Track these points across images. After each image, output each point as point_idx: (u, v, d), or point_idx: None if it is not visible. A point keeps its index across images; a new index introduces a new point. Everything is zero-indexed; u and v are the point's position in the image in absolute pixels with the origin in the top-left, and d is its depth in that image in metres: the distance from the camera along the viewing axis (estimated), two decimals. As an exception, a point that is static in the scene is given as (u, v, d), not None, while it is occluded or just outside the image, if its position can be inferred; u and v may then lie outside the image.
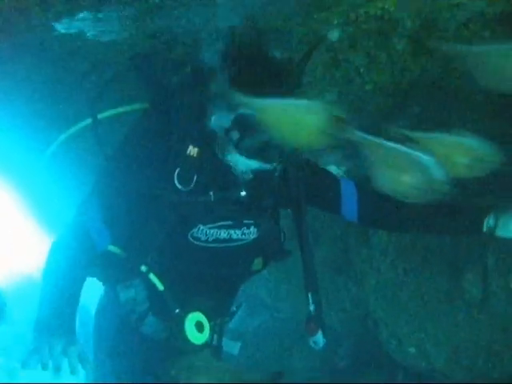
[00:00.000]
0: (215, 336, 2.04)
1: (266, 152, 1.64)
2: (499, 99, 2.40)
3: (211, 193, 1.72)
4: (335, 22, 1.95)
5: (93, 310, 2.31)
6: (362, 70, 2.29)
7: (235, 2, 1.68)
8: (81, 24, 1.71)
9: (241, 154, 1.66)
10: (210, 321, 1.89)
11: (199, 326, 1.85)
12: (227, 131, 1.66)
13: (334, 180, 2.01)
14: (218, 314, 2.04)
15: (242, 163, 1.69)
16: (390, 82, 2.40)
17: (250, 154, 1.66)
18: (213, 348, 2.03)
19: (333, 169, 2.90)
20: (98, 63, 2.07)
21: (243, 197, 1.73)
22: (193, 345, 1.84)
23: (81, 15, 1.66)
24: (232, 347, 2.15)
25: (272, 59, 1.67)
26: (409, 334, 2.93)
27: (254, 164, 1.68)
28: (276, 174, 1.73)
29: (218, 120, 1.69)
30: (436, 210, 1.91)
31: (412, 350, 2.94)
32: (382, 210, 1.96)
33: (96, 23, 1.72)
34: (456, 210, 1.93)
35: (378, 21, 1.92)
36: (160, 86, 1.90)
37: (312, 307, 1.92)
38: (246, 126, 1.62)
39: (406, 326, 2.93)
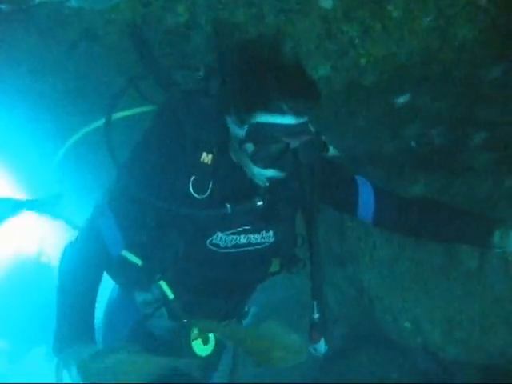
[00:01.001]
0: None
1: (281, 162, 1.61)
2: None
3: (228, 205, 1.69)
4: (329, -12, 1.91)
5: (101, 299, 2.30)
6: (356, 42, 2.25)
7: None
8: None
9: (256, 165, 1.63)
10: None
11: (205, 339, 1.87)
12: (241, 143, 1.63)
13: (352, 180, 1.98)
14: (232, 317, 2.06)
15: (258, 173, 1.67)
16: (385, 55, 2.36)
17: (264, 165, 1.63)
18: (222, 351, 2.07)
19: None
20: (87, 32, 2.01)
21: (260, 206, 1.70)
22: (197, 356, 1.86)
23: (67, -20, 1.61)
24: None
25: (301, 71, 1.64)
26: (404, 309, 2.93)
27: (270, 172, 1.65)
28: (293, 181, 1.71)
29: (232, 130, 1.67)
30: (450, 219, 1.92)
31: (407, 325, 2.94)
32: (397, 214, 1.95)
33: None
34: (469, 221, 1.92)
35: (373, -14, 1.88)
36: (171, 88, 1.87)
37: (316, 315, 1.93)
38: (259, 137, 1.59)
39: (401, 301, 2.93)
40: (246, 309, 2.17)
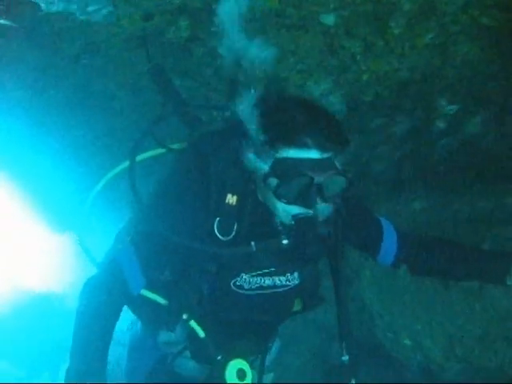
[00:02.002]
0: (255, 373, 1.99)
1: (305, 197, 1.56)
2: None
3: (252, 243, 1.63)
4: (331, 5, 1.92)
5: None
6: (358, 58, 2.26)
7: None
8: (69, 3, 1.66)
9: (280, 200, 1.59)
10: (252, 367, 1.84)
11: (241, 374, 1.80)
12: (265, 178, 1.59)
13: (377, 224, 1.92)
14: (257, 354, 2.02)
15: (282, 209, 1.61)
16: (386, 71, 2.37)
17: (288, 200, 1.58)
18: None
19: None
20: (89, 46, 2.02)
21: (285, 245, 1.63)
22: None
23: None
24: (266, 378, 2.10)
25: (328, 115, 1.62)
26: (404, 325, 2.91)
27: (294, 209, 1.59)
28: (319, 219, 1.62)
29: (257, 166, 1.62)
30: (468, 261, 1.89)
31: (407, 342, 2.92)
32: (416, 260, 1.91)
33: (85, 2, 1.67)
34: (486, 261, 1.88)
35: (375, 3, 1.89)
36: (197, 128, 1.86)
37: (346, 357, 1.86)
38: (283, 171, 1.55)
39: (402, 317, 2.91)
40: (270, 343, 2.11)
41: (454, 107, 2.61)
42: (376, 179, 3.21)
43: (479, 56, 2.26)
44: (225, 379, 1.77)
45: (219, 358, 1.78)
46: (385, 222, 1.93)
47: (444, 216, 2.88)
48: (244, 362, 1.81)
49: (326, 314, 3.53)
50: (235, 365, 1.79)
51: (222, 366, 1.78)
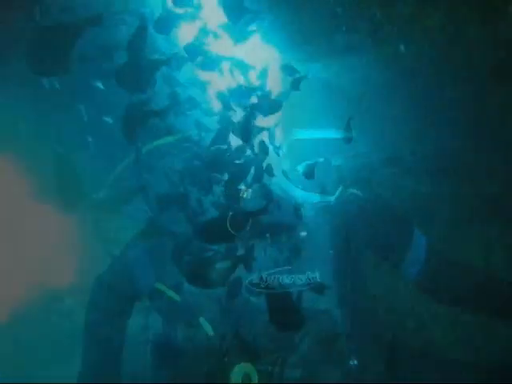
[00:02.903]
0: (277, 368, 1.98)
1: (324, 182, 1.55)
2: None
3: (267, 235, 1.63)
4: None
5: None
6: (365, 38, 2.23)
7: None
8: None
9: (296, 186, 1.56)
10: (259, 373, 1.82)
11: (246, 379, 1.77)
12: (281, 162, 1.58)
13: (408, 232, 1.86)
14: (274, 353, 1.99)
15: (300, 198, 1.59)
16: (393, 53, 2.34)
17: (305, 186, 1.56)
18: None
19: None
20: (90, 19, 1.97)
21: (304, 237, 1.64)
22: None
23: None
24: (293, 373, 2.07)
25: None
26: (408, 307, 2.90)
27: (314, 197, 1.57)
28: (340, 208, 1.60)
29: (272, 151, 1.61)
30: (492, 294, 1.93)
31: (411, 323, 2.91)
32: (438, 281, 1.89)
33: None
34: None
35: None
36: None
37: (354, 362, 1.85)
38: (299, 154, 1.54)
39: (406, 299, 2.90)
40: (297, 341, 2.07)
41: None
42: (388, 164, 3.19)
43: (490, 38, 2.22)
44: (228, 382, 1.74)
45: (225, 359, 1.76)
46: (417, 235, 1.85)
47: (451, 200, 2.86)
48: (251, 367, 1.77)
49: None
50: (241, 369, 1.76)
51: (227, 369, 1.76)
